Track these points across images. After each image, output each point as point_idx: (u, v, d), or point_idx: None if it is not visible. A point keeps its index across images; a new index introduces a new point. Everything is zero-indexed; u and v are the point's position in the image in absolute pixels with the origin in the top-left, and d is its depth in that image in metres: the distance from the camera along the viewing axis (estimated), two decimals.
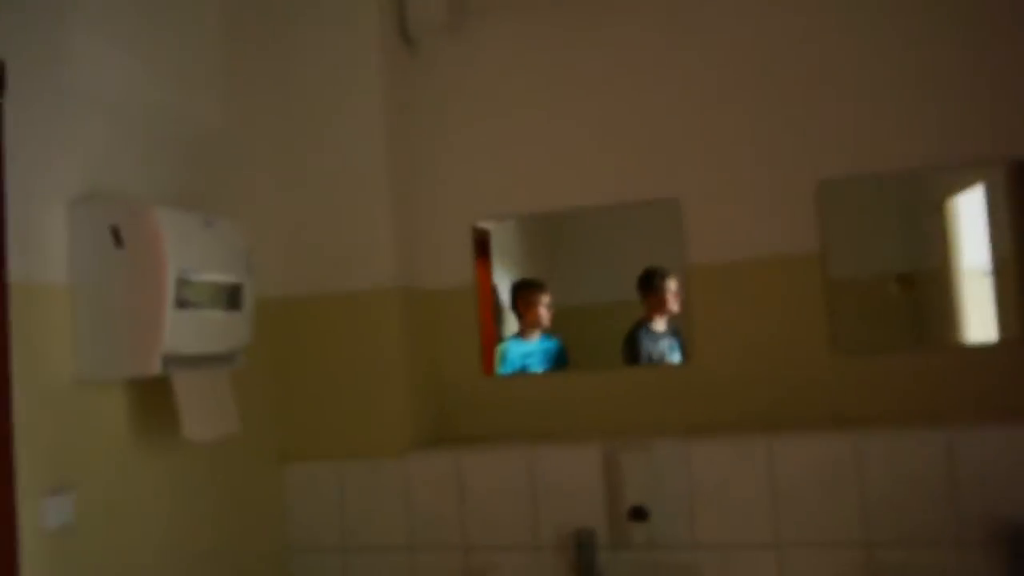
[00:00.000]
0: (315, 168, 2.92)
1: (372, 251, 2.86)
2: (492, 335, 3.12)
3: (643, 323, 2.97)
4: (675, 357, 2.94)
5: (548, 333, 3.09)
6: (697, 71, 2.97)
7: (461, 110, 3.18)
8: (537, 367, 3.08)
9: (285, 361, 2.89)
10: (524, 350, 3.09)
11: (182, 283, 2.05)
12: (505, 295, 3.13)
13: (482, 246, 3.13)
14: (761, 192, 2.87)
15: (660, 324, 2.96)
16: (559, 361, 3.08)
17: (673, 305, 2.94)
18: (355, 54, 2.92)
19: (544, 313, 3.08)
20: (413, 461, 2.81)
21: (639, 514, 2.57)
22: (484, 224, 3.14)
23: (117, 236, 2.02)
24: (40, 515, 1.89)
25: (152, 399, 2.20)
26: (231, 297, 2.27)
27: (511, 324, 3.13)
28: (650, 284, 2.97)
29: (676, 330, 2.95)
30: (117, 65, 2.28)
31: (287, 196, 2.92)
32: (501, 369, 3.10)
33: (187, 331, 2.09)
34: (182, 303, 2.05)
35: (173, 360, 2.06)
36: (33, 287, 1.95)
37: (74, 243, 2.05)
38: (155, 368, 2.01)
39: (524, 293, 3.11)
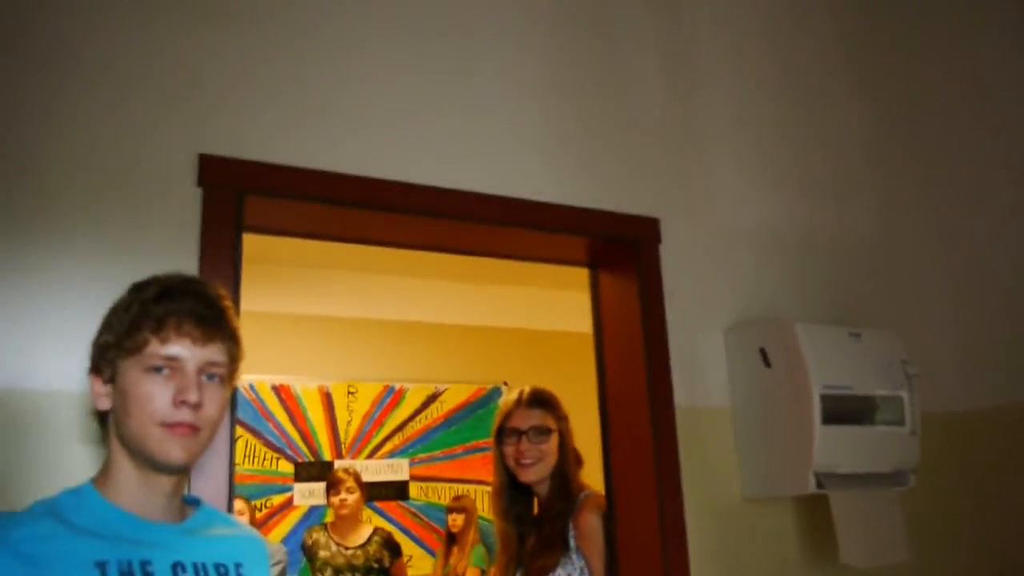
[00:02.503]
0: (982, 269, 2.57)
1: None
2: None
3: None
4: None
5: None
6: None
7: None
8: None
9: (981, 482, 2.51)
10: None
11: (829, 397, 2.00)
12: None
13: None
14: None
15: None
16: None
17: None
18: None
19: None
20: None
21: None
22: None
23: (765, 357, 2.11)
24: None
25: (819, 518, 2.16)
26: (890, 412, 2.12)
27: None
28: None
29: None
30: (761, 197, 2.43)
31: (958, 298, 2.62)
32: None
33: (842, 447, 2.02)
34: (832, 419, 2.00)
35: (829, 479, 2.00)
36: (698, 410, 2.14)
37: (730, 367, 2.20)
38: (808, 487, 1.98)
39: None
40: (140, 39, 1.67)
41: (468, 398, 5.54)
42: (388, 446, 5.24)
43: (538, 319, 5.35)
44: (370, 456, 5.17)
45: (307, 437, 5.02)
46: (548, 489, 2.11)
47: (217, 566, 1.21)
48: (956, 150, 2.69)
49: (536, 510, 2.18)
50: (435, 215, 1.95)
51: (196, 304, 1.18)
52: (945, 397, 2.49)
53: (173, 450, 1.14)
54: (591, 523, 2.03)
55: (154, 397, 1.14)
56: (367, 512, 4.91)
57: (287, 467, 4.92)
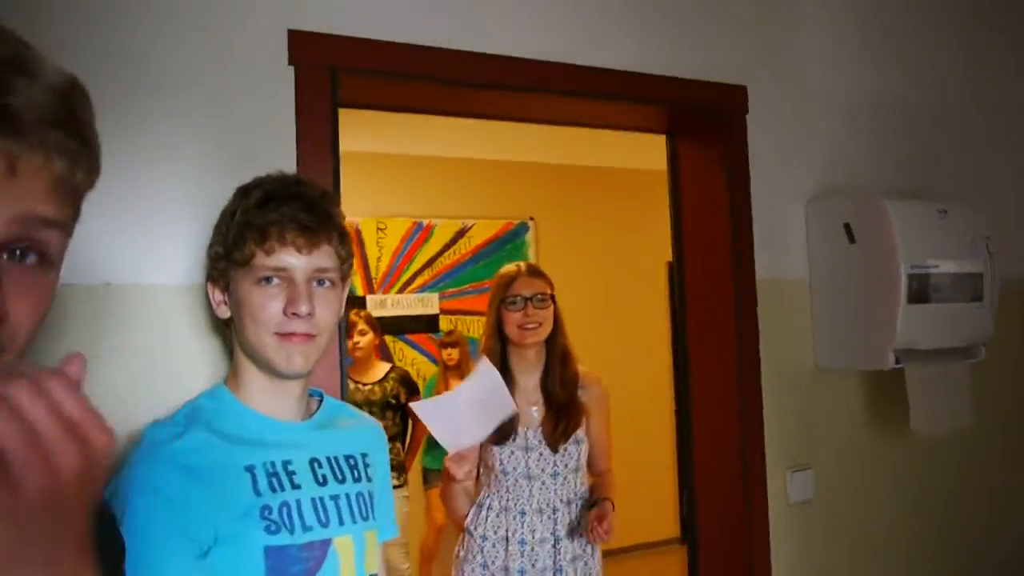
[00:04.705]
0: None
1: None
2: None
3: None
4: None
5: None
6: None
7: None
8: None
9: None
10: None
11: (916, 276, 2.01)
12: None
13: None
14: None
15: None
16: None
17: None
18: None
19: None
20: None
21: None
22: None
23: (849, 232, 2.09)
24: (786, 488, 2.11)
25: (887, 388, 2.23)
26: (972, 288, 2.13)
27: None
28: None
29: None
30: (847, 66, 2.33)
31: None
32: None
33: (923, 325, 2.05)
34: (917, 296, 2.02)
35: (907, 354, 2.05)
36: (777, 282, 2.15)
37: (810, 239, 2.19)
38: (888, 363, 2.03)
39: None
40: None
41: (496, 233, 5.54)
42: (418, 281, 5.30)
43: (567, 155, 5.26)
44: (401, 291, 5.24)
45: None
46: (547, 358, 2.15)
47: (347, 458, 1.26)
48: None
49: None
50: (515, 89, 1.86)
51: (298, 210, 1.15)
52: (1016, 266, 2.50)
53: (293, 358, 1.16)
54: (606, 396, 2.20)
55: (265, 308, 1.14)
56: (399, 344, 5.07)
57: None
